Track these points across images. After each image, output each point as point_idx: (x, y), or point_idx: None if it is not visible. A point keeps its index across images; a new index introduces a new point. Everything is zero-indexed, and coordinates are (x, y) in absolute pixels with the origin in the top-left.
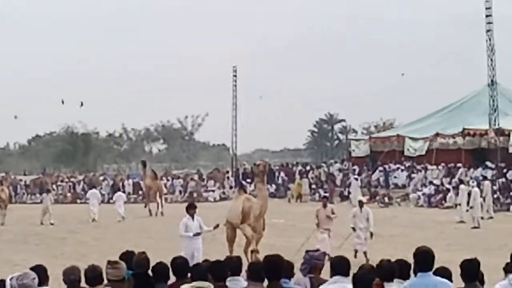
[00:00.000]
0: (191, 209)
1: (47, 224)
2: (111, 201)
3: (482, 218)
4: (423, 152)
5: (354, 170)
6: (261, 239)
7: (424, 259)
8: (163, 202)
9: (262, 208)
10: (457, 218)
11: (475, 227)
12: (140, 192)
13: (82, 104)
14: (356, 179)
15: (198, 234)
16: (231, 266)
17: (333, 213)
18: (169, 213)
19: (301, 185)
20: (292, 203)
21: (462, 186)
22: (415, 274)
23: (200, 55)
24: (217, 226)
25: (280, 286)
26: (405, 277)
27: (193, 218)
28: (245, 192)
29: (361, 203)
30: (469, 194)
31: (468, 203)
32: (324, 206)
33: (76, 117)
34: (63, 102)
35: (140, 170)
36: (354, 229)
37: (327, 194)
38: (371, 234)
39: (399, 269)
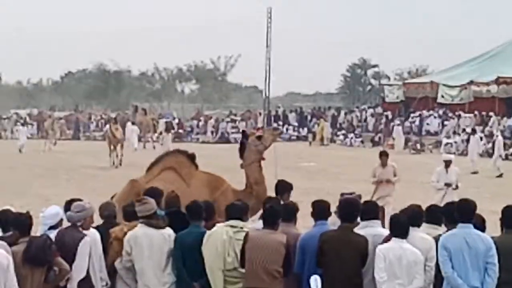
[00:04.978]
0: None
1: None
2: (142, 139)
3: None
4: (462, 101)
5: (387, 116)
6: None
7: (465, 210)
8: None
9: None
10: (472, 167)
11: (500, 175)
12: (173, 131)
13: None
14: (399, 125)
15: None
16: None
17: (395, 175)
18: (200, 153)
19: (323, 128)
20: (314, 146)
21: (476, 136)
22: (456, 224)
23: None
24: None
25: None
26: (437, 222)
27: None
28: None
29: (448, 163)
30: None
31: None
32: (383, 164)
33: (107, 55)
34: None
35: (169, 109)
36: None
37: (386, 148)
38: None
39: (430, 214)
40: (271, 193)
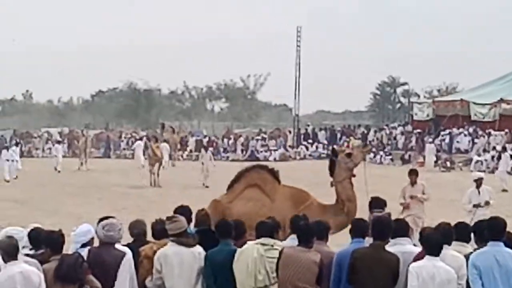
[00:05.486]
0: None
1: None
2: (172, 157)
3: None
4: (493, 118)
5: (420, 133)
6: None
7: (495, 228)
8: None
9: None
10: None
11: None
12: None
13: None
14: (431, 142)
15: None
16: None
17: (423, 193)
18: (230, 171)
19: None
20: None
21: (506, 153)
22: (486, 242)
23: (264, 14)
24: None
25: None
26: (466, 239)
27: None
28: None
29: (479, 181)
30: None
31: None
32: (413, 182)
33: (138, 74)
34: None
35: (199, 128)
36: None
37: (416, 167)
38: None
39: (458, 232)
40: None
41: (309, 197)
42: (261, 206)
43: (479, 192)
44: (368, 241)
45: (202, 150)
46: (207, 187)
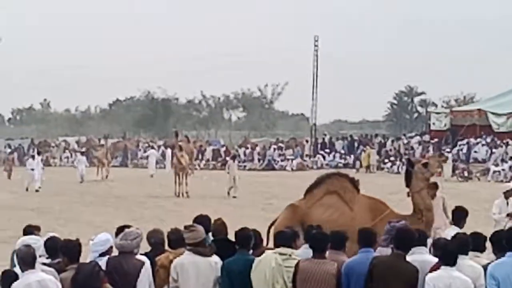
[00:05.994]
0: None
1: (229, 198)
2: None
3: None
4: (509, 128)
5: (437, 143)
6: None
7: None
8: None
9: None
10: None
11: None
12: (219, 159)
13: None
14: (449, 152)
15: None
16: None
17: (444, 207)
18: (247, 180)
19: (370, 156)
20: (360, 173)
21: None
22: (504, 252)
23: (282, 24)
24: None
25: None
26: (481, 249)
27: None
28: None
29: (509, 193)
30: None
31: None
32: (432, 196)
33: (155, 83)
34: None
35: (216, 137)
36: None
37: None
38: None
39: (473, 242)
40: None
41: (387, 208)
42: (340, 214)
43: (507, 203)
44: (381, 251)
45: (229, 160)
46: (234, 197)
